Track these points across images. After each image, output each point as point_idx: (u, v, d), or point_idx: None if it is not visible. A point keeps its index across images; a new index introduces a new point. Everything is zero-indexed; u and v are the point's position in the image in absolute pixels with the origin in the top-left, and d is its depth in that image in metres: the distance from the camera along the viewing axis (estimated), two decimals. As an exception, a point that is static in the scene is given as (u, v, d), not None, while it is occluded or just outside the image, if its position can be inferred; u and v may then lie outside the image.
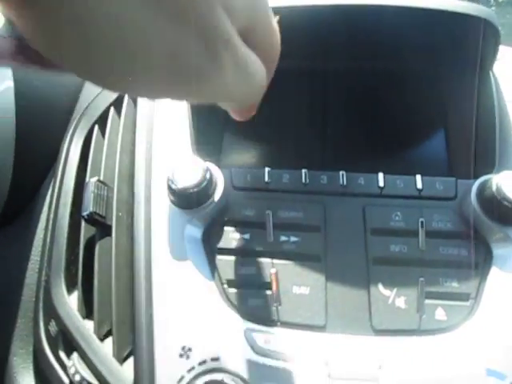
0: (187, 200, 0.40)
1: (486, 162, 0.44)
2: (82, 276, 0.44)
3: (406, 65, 0.51)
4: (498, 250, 0.39)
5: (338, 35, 0.48)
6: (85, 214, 0.44)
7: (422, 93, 0.51)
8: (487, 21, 0.44)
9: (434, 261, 0.39)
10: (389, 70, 0.52)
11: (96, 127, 0.52)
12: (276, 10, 0.27)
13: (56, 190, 0.49)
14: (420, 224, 0.40)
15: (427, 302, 0.37)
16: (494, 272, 0.38)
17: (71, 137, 0.52)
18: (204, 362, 0.35)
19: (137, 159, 0.46)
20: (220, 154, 0.49)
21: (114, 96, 0.53)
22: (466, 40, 0.47)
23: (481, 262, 0.39)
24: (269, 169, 0.44)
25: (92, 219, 0.44)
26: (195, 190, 0.39)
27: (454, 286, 0.38)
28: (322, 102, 0.51)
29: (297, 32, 0.48)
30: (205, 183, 0.40)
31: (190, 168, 0.40)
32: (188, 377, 0.35)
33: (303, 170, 0.43)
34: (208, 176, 0.40)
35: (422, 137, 0.51)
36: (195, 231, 0.41)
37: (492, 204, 0.39)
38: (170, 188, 0.40)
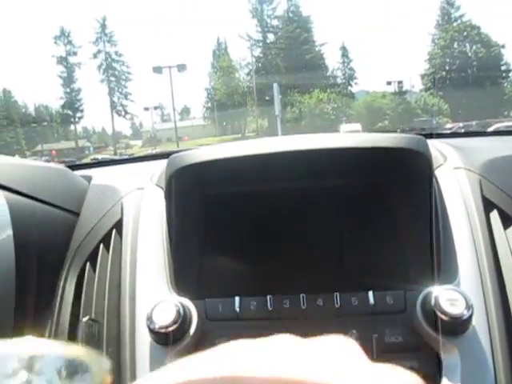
0: (166, 337, 0.45)
1: (430, 273, 0.49)
2: None
3: (357, 185, 0.58)
4: (447, 361, 0.43)
5: (292, 170, 0.55)
6: None
7: (372, 209, 0.57)
8: (415, 150, 0.51)
9: None
10: (346, 190, 0.58)
11: (88, 264, 0.58)
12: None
13: (53, 328, 0.54)
14: (374, 340, 0.44)
15: None
16: (445, 383, 0.42)
17: (66, 275, 0.58)
18: None
19: (122, 296, 0.51)
20: (197, 283, 0.54)
21: (102, 234, 0.60)
22: (404, 163, 0.53)
23: (431, 373, 0.43)
24: (238, 298, 0.49)
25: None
26: (171, 328, 0.45)
27: None
28: (282, 226, 0.57)
29: (261, 172, 0.55)
30: (180, 321, 0.45)
31: (166, 307, 0.46)
32: None
33: (268, 296, 0.48)
34: (182, 312, 0.45)
35: (375, 250, 0.55)
36: None
37: (435, 317, 0.43)
38: (148, 328, 0.45)
